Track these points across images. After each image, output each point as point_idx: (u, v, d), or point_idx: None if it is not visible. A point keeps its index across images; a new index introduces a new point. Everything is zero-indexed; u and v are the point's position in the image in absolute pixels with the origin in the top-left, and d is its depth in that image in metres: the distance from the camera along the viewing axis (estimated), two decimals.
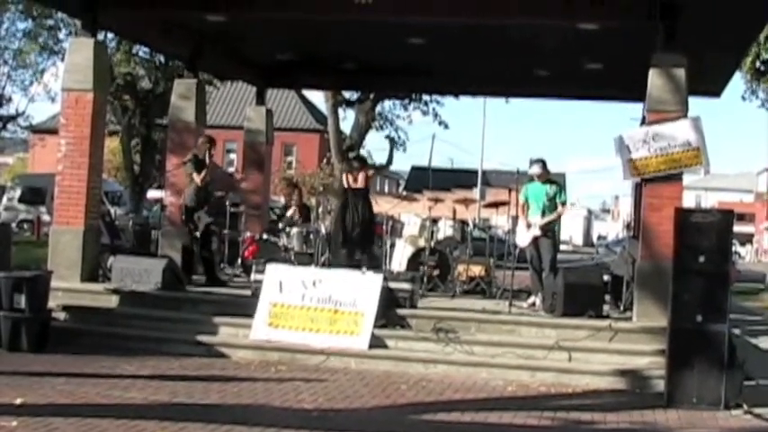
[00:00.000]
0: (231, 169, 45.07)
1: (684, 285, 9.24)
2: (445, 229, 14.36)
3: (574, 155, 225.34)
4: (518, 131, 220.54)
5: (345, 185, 14.20)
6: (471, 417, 8.25)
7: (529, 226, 12.41)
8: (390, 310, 11.24)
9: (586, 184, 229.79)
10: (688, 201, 57.18)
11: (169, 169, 15.21)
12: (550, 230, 12.48)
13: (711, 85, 16.71)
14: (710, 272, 9.18)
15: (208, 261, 13.31)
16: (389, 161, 14.09)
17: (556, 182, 12.71)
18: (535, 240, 12.38)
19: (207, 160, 13.01)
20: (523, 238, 12.50)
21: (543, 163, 12.62)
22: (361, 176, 13.89)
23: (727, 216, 9.54)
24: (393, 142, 25.37)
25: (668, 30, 11.35)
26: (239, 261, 15.04)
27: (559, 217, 12.59)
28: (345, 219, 13.83)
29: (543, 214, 12.34)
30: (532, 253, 12.50)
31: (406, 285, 11.53)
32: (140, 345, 10.85)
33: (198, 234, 12.95)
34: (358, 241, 13.71)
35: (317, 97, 55.50)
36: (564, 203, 12.55)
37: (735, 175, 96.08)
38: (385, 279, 11.39)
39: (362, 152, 29.92)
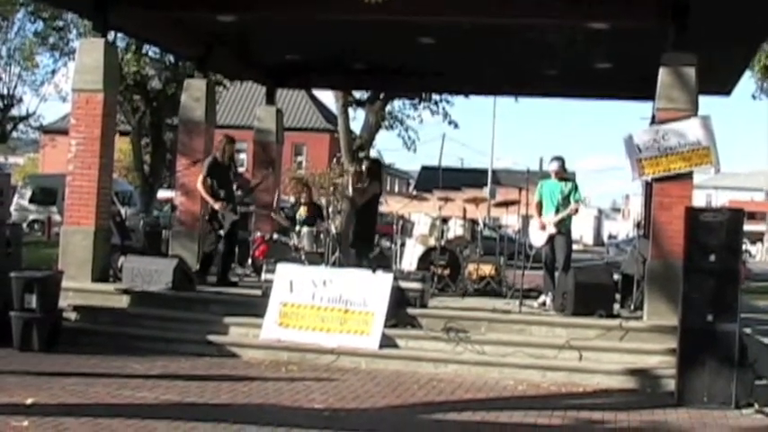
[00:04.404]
0: (241, 169, 45.05)
1: (695, 284, 9.22)
2: (455, 229, 14.33)
3: (584, 154, 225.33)
4: (528, 131, 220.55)
5: (351, 185, 14.02)
6: (482, 416, 8.25)
7: (543, 226, 12.40)
8: (401, 310, 11.24)
9: (597, 184, 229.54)
10: (698, 200, 57.05)
11: (179, 169, 15.25)
12: (565, 228, 12.41)
13: (721, 84, 16.68)
14: (721, 271, 9.16)
15: (226, 262, 13.23)
16: None
17: (571, 180, 12.68)
18: (550, 239, 12.36)
19: (225, 160, 12.91)
20: (538, 237, 12.48)
21: (562, 160, 12.60)
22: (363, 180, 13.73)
23: (737, 215, 9.51)
24: None
25: (678, 29, 11.34)
26: (249, 261, 15.05)
27: (573, 213, 12.41)
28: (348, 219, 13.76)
29: (557, 212, 12.31)
30: (547, 252, 12.47)
31: (416, 285, 11.51)
32: (151, 345, 10.89)
33: (223, 233, 12.78)
34: (352, 243, 13.49)
35: (327, 97, 55.56)
36: (578, 201, 12.44)
37: (746, 173, 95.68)
38: (395, 278, 11.37)
39: (373, 152, 29.86)
